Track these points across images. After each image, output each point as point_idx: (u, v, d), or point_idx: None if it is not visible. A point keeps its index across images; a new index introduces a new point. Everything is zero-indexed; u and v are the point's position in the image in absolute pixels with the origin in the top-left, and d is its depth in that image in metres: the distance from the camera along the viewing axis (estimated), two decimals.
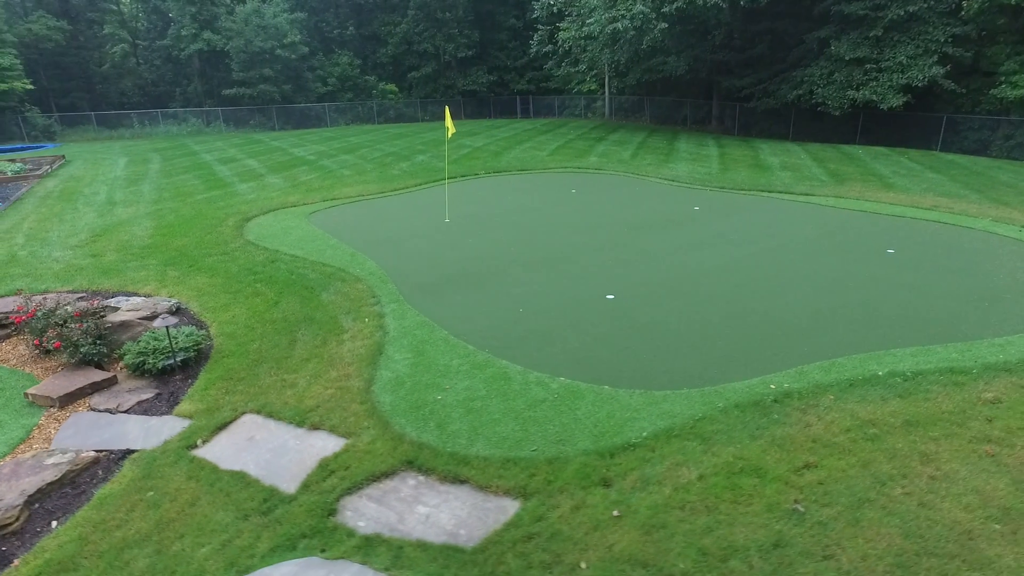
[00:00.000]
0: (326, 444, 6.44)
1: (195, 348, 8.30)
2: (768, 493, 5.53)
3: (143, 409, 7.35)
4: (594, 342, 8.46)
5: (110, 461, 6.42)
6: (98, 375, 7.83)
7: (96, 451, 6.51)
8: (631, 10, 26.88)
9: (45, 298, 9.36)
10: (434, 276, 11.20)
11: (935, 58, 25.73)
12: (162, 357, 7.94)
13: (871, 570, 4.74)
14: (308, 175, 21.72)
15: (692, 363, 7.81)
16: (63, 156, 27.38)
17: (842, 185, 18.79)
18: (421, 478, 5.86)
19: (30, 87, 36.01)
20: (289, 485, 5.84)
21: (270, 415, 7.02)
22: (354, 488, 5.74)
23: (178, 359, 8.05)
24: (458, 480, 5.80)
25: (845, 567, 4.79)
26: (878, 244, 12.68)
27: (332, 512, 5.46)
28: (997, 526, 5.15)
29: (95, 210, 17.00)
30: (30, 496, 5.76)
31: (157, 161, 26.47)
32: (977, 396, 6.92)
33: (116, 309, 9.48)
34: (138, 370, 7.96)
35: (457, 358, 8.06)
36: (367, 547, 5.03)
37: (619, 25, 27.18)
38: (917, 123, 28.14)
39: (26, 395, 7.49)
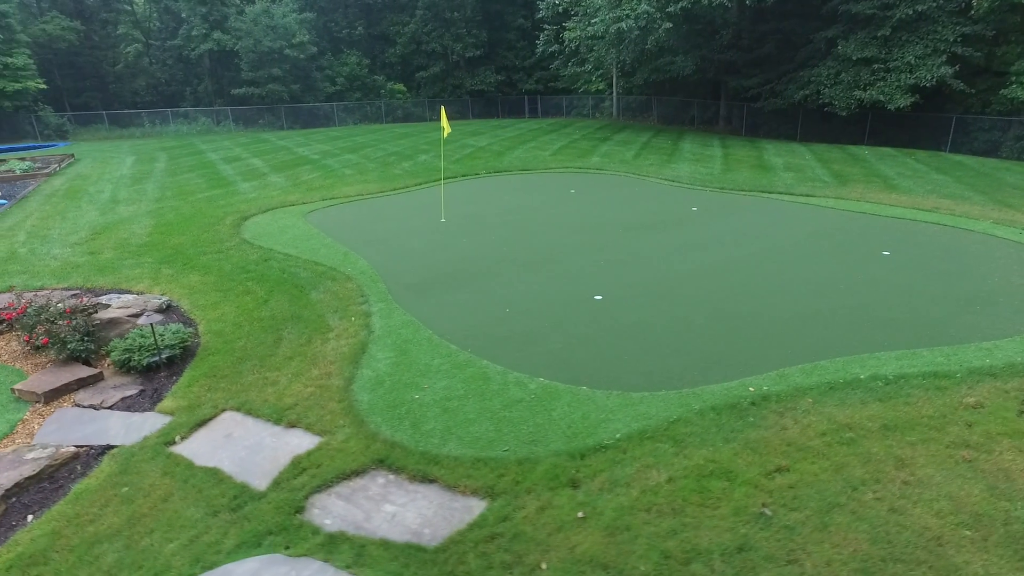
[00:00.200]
0: (301, 442, 6.48)
1: (181, 345, 8.39)
2: (737, 497, 5.50)
3: (126, 405, 7.44)
4: (577, 343, 8.45)
5: (90, 456, 6.51)
6: (84, 371, 7.93)
7: (76, 446, 6.60)
8: (635, 9, 26.77)
9: (36, 295, 9.50)
10: (424, 276, 11.23)
11: (944, 58, 25.38)
12: (147, 354, 8.03)
13: (835, 575, 4.71)
14: (310, 174, 21.85)
15: (673, 364, 7.77)
16: (72, 155, 27.75)
17: (844, 186, 18.61)
18: (391, 477, 5.88)
19: (43, 86, 36.48)
20: (261, 482, 5.89)
21: (249, 412, 7.08)
22: (324, 486, 5.78)
23: (163, 356, 8.14)
24: (427, 479, 5.82)
25: (809, 572, 4.75)
26: (874, 246, 12.55)
27: (300, 510, 5.49)
28: (968, 532, 5.09)
29: (98, 208, 17.21)
30: (7, 491, 5.85)
31: (163, 160, 26.75)
32: (959, 401, 6.83)
33: (107, 306, 9.60)
34: (124, 367, 8.06)
35: (439, 358, 8.08)
36: (330, 545, 5.06)
37: (623, 25, 27.07)
38: (926, 124, 27.78)
39: (13, 391, 7.60)
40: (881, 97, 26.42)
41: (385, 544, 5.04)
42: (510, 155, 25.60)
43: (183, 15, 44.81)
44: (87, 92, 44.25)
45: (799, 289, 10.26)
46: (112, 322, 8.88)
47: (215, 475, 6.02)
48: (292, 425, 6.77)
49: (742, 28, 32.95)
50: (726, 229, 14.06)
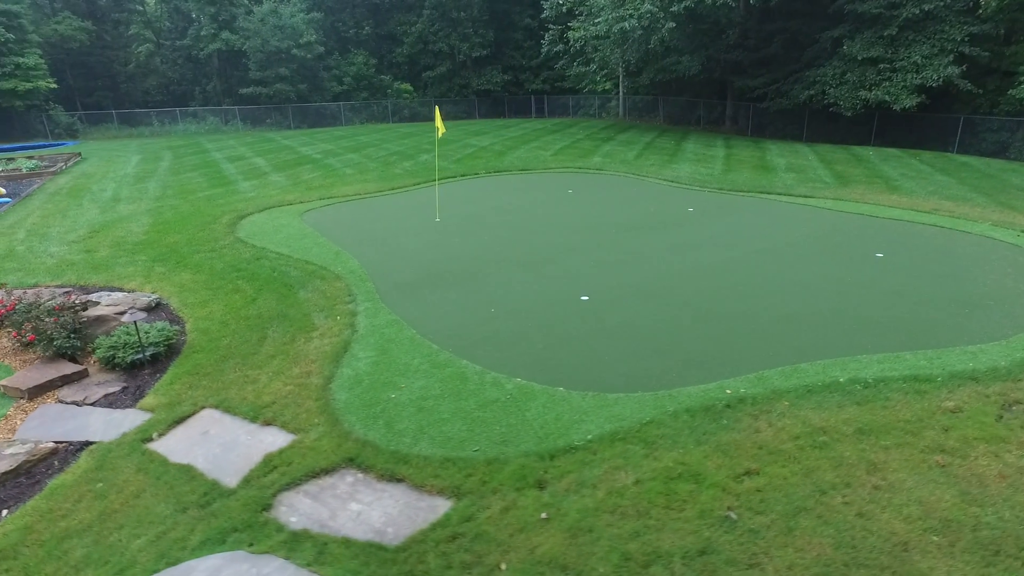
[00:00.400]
0: (275, 440, 6.53)
1: (166, 343, 8.47)
2: (703, 499, 5.47)
3: (109, 402, 7.52)
4: (559, 343, 8.44)
5: (68, 452, 6.59)
6: (69, 368, 8.02)
7: (56, 442, 6.68)
8: (639, 9, 26.68)
9: (26, 292, 9.62)
10: (414, 275, 11.26)
11: (951, 58, 25.09)
12: (131, 351, 8.11)
13: None
14: (311, 173, 21.98)
15: (653, 366, 7.75)
16: (79, 153, 28.08)
17: (845, 187, 18.44)
18: (360, 475, 5.91)
19: (54, 86, 36.94)
20: (231, 479, 5.93)
21: (228, 410, 7.14)
22: (293, 484, 5.81)
23: (148, 354, 8.22)
24: (395, 479, 5.84)
25: None
26: (868, 248, 12.42)
27: (267, 507, 5.53)
28: (935, 538, 5.04)
29: (99, 207, 17.41)
30: None
31: (168, 159, 27.01)
32: (938, 405, 6.76)
33: (97, 304, 9.71)
34: (109, 364, 8.15)
35: (419, 357, 8.11)
36: (293, 542, 5.10)
37: (626, 24, 26.99)
38: (933, 124, 27.46)
39: None
40: (887, 97, 26.16)
41: (347, 542, 5.07)
42: (511, 155, 25.60)
43: (193, 15, 45.25)
44: (98, 91, 44.76)
45: (788, 291, 10.18)
46: (100, 319, 8.98)
47: (188, 472, 6.07)
48: (268, 423, 6.82)
49: (748, 27, 32.74)
50: (721, 230, 13.99)
